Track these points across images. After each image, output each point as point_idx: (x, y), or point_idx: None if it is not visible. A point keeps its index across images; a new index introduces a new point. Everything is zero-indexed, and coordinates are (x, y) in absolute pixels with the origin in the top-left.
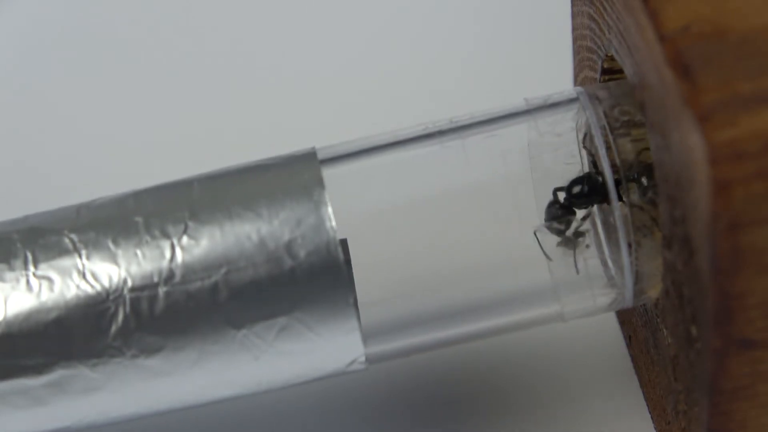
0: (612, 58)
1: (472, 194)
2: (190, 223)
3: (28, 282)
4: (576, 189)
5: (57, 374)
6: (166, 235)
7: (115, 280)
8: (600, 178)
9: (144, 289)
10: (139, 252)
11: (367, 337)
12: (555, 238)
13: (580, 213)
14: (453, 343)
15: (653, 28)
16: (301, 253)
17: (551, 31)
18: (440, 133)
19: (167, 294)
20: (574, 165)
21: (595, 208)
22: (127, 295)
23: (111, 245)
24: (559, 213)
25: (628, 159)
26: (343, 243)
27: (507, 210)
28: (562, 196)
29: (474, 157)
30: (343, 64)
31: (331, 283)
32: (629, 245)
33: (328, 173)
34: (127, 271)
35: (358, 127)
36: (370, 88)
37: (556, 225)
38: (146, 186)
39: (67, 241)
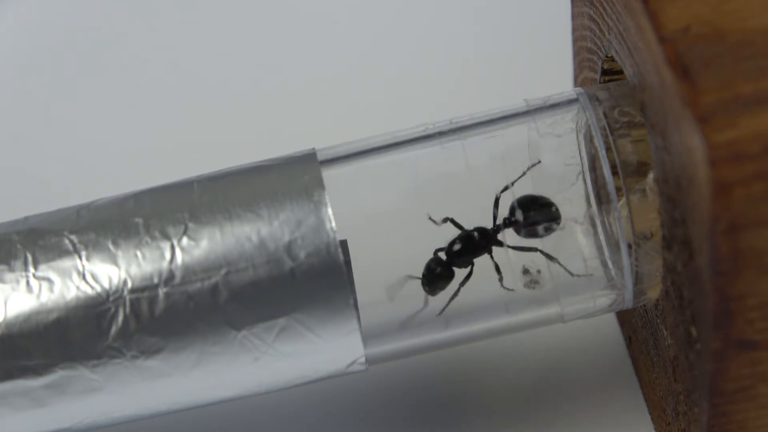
0: (612, 59)
1: (472, 195)
2: (190, 224)
3: (28, 283)
4: (456, 247)
5: (57, 375)
6: (166, 236)
7: (115, 281)
8: (476, 235)
9: (144, 290)
10: (139, 253)
11: (367, 338)
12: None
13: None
14: (453, 344)
15: (653, 30)
16: (301, 254)
17: (551, 31)
18: (440, 134)
19: (167, 295)
20: (574, 166)
21: (594, 208)
22: (127, 297)
23: (111, 246)
24: (438, 273)
25: (629, 160)
26: (343, 244)
27: (507, 210)
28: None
29: (474, 158)
30: (343, 65)
31: (331, 284)
32: (629, 246)
33: (328, 174)
34: (127, 272)
35: (358, 128)
36: (370, 89)
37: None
38: (146, 187)
39: (67, 242)
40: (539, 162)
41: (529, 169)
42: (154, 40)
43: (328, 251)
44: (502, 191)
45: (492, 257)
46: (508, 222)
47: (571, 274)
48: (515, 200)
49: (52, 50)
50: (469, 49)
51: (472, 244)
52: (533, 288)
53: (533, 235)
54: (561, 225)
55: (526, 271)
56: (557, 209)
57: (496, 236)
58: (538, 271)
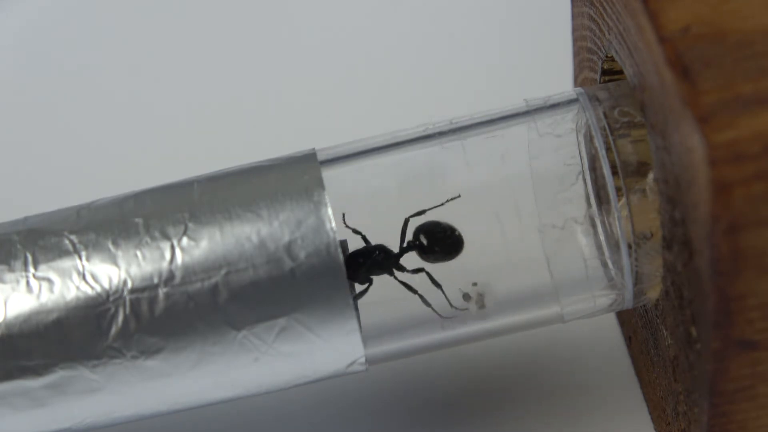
0: (612, 59)
1: (472, 195)
2: (190, 225)
3: (28, 283)
4: (360, 261)
5: (57, 375)
6: (166, 237)
7: (115, 281)
8: (378, 253)
9: (144, 291)
10: (139, 253)
11: (367, 338)
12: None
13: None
14: (453, 344)
15: (653, 30)
16: (301, 255)
17: (551, 31)
18: (440, 134)
19: (167, 295)
20: (574, 166)
21: (594, 208)
22: (127, 297)
23: (111, 246)
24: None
25: (629, 161)
26: (343, 244)
27: (507, 210)
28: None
29: (474, 158)
30: (343, 66)
31: (331, 284)
32: (629, 246)
33: (329, 174)
34: (127, 272)
35: (358, 129)
36: (370, 89)
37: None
38: (146, 187)
39: (67, 242)
40: (459, 196)
41: (448, 201)
42: (154, 41)
43: (328, 251)
44: (414, 215)
45: (395, 278)
46: (411, 245)
47: (451, 304)
48: (418, 226)
49: (52, 50)
50: (469, 50)
51: (370, 261)
52: (484, 306)
53: (434, 260)
54: (461, 251)
55: (466, 296)
56: (459, 236)
57: (398, 258)
58: (474, 284)
